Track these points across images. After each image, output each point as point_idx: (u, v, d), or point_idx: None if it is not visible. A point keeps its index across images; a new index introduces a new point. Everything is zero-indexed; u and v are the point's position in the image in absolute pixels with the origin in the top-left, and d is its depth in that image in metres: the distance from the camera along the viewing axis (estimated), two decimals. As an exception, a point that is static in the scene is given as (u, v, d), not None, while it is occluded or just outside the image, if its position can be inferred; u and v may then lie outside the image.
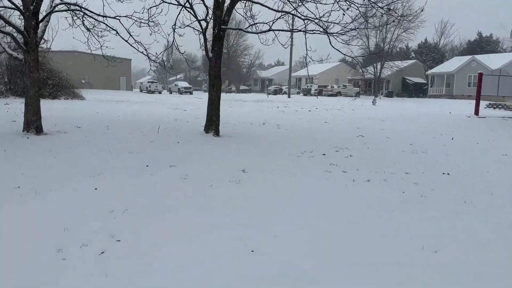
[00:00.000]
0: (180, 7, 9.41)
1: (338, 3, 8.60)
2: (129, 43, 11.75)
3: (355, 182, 5.75)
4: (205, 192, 4.88)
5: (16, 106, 15.59)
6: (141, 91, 52.50)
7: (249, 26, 9.77)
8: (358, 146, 9.18)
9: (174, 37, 9.67)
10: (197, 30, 9.99)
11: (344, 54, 10.89)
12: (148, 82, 51.07)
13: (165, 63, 11.72)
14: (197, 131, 10.37)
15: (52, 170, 5.62)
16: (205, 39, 9.69)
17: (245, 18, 10.58)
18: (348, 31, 8.84)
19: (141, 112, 17.07)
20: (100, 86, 49.56)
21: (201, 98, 35.86)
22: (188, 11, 9.43)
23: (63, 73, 26.79)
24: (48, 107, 17.46)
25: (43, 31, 9.71)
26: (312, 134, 11.11)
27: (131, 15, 11.56)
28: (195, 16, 9.32)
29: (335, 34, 8.96)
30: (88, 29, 11.84)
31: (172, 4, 9.66)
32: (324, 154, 7.81)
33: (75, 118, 13.60)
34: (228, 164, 6.53)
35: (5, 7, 9.20)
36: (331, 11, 8.50)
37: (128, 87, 56.31)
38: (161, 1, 9.78)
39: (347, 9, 8.50)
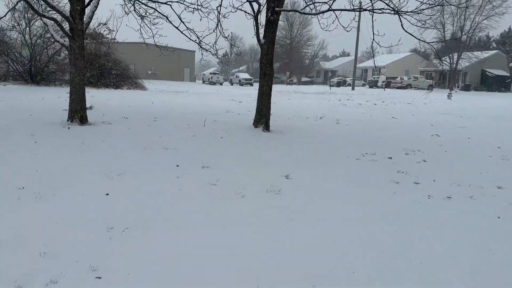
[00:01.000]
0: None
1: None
2: (179, 30, 11.15)
3: (431, 199, 4.45)
4: (232, 208, 3.87)
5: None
6: (203, 82, 53.08)
7: (305, 6, 8.58)
8: (433, 148, 7.68)
9: (219, 19, 8.77)
10: (249, 14, 9.01)
11: (418, 39, 9.26)
12: (210, 73, 51.49)
13: (216, 51, 10.89)
14: (246, 125, 9.46)
15: (70, 167, 4.98)
16: (257, 23, 8.68)
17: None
18: (425, 9, 7.32)
19: (195, 103, 16.58)
20: (165, 77, 50.88)
21: (261, 90, 35.03)
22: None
23: (127, 64, 27.36)
24: (107, 97, 17.65)
25: (90, 17, 9.30)
26: (377, 131, 9.70)
27: (183, 1, 10.94)
28: (246, -3, 8.34)
29: (409, 13, 7.49)
30: (141, 16, 11.44)
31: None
32: (391, 158, 6.49)
33: (128, 108, 13.37)
34: (271, 166, 5.50)
35: (50, -9, 8.89)
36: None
37: (192, 78, 57.30)
38: (211, -18, 8.93)
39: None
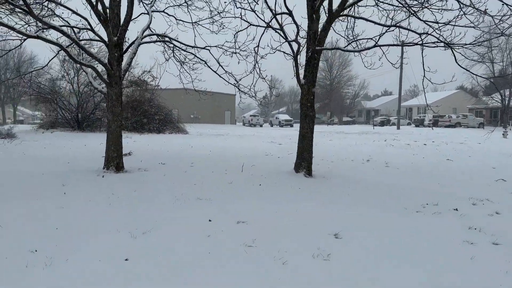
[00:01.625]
0: (267, 28, 8.17)
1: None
2: (218, 74, 11.03)
3: (521, 268, 3.52)
4: (272, 282, 3.17)
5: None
6: (243, 124, 53.54)
7: (348, 44, 8.08)
8: (504, 196, 6.62)
9: (256, 61, 8.42)
10: (288, 54, 8.64)
11: (475, 74, 8.43)
12: (250, 115, 51.90)
13: (255, 94, 10.55)
14: (286, 169, 8.83)
15: (94, 223, 4.53)
16: (296, 64, 8.26)
17: (346, 37, 8.97)
18: (485, 41, 6.57)
19: (234, 146, 16.24)
20: (207, 120, 51.93)
21: (301, 131, 34.51)
22: (278, 32, 8.15)
23: (169, 109, 27.96)
24: (148, 142, 17.76)
25: (129, 64, 9.31)
26: (434, 176, 8.71)
27: (222, 45, 10.87)
28: (285, 37, 7.98)
29: (467, 46, 6.75)
30: (180, 62, 11.50)
31: (260, 26, 8.51)
32: (456, 210, 5.55)
33: (167, 152, 13.20)
34: (316, 221, 4.77)
35: (89, 39, 9.02)
36: (459, 15, 6.38)
37: (232, 121, 58.10)
38: (248, 25, 8.71)
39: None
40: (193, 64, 11.67)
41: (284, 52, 8.50)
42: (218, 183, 7.30)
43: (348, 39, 8.88)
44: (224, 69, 10.89)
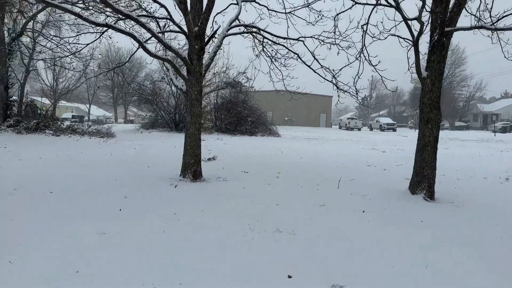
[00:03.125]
0: (377, 6, 6.29)
1: None
2: (312, 69, 9.41)
3: None
4: None
5: (209, 144, 15.30)
6: (340, 127, 50.84)
7: (497, 20, 5.78)
8: None
9: (363, 42, 6.53)
10: (405, 39, 6.63)
11: None
12: (348, 118, 49.08)
13: (357, 91, 8.69)
14: (397, 188, 6.85)
15: (126, 268, 3.25)
16: (417, 51, 6.23)
17: (478, 18, 6.65)
18: None
19: (329, 153, 14.37)
20: (301, 123, 50.45)
21: (406, 136, 31.09)
22: (392, 7, 6.22)
23: (261, 111, 27.09)
24: (238, 144, 16.83)
25: (211, 58, 8.19)
26: None
27: (319, 35, 9.28)
28: (402, 15, 6.02)
29: None
30: (270, 57, 10.20)
31: (368, 4, 6.66)
32: None
33: (254, 158, 11.99)
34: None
35: (170, 31, 8.08)
36: None
37: (328, 124, 55.71)
38: (353, 3, 6.91)
39: None
40: (285, 59, 10.28)
41: (399, 37, 6.52)
42: (306, 203, 5.68)
43: (484, 21, 6.56)
44: (319, 63, 9.26)
